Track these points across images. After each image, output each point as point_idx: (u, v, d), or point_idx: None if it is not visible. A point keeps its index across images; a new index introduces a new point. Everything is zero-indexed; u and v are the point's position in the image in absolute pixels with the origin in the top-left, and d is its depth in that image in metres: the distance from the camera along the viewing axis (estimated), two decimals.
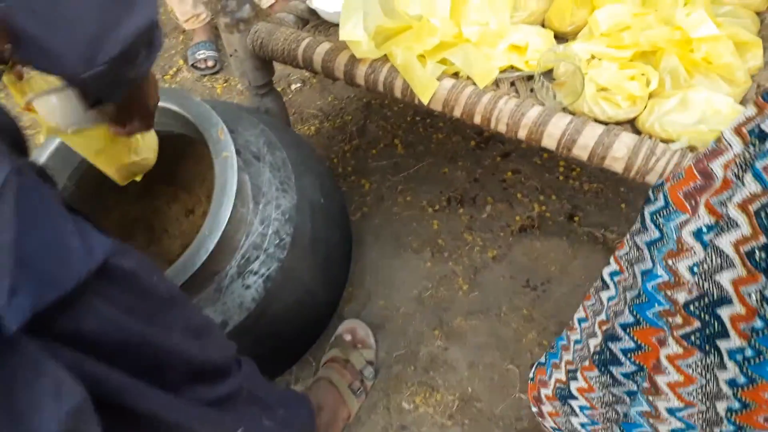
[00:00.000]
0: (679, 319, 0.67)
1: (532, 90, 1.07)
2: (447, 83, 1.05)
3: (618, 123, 1.00)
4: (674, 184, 0.69)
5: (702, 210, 0.65)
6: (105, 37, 0.54)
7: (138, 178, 0.91)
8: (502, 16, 1.14)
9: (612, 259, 0.85)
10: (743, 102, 1.00)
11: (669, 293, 0.68)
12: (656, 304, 0.70)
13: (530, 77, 1.09)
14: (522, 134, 1.00)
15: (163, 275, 0.69)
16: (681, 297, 0.67)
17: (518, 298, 1.33)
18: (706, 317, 0.63)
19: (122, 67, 0.57)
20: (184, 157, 1.29)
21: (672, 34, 1.02)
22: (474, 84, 1.05)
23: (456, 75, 1.08)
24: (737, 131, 0.64)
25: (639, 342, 0.74)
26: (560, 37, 1.21)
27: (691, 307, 0.65)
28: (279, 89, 1.86)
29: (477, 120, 1.03)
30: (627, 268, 0.81)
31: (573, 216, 1.47)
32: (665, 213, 0.71)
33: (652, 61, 1.06)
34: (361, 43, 1.07)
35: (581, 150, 0.95)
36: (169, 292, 0.67)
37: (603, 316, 0.84)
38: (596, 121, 1.00)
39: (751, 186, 0.56)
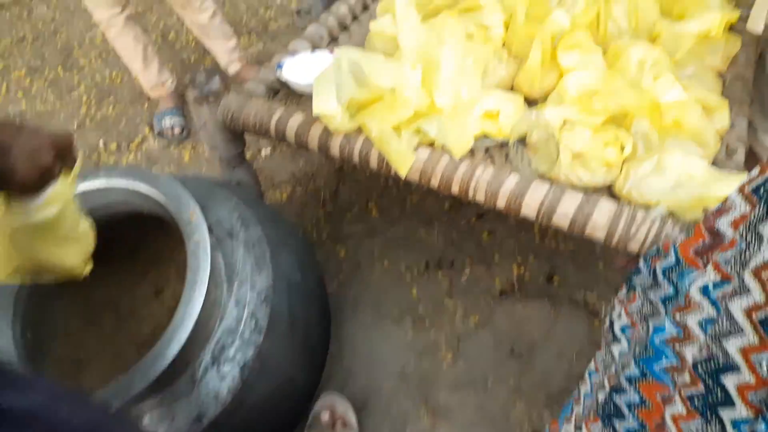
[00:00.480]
0: (687, 378, 0.65)
1: (507, 157, 1.07)
2: (423, 154, 1.04)
3: (595, 189, 1.00)
4: (684, 241, 0.68)
5: (709, 267, 0.64)
6: None
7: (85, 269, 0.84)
8: (472, 83, 1.15)
9: (623, 312, 0.82)
10: (715, 163, 1.01)
11: (677, 347, 0.66)
12: (663, 358, 0.68)
13: (504, 144, 1.09)
14: (501, 204, 0.98)
15: (84, 402, 0.58)
16: (689, 354, 0.65)
17: (504, 367, 1.29)
18: (710, 383, 0.61)
19: None
20: (152, 233, 1.24)
21: (641, 99, 1.04)
22: (449, 153, 1.04)
23: (431, 145, 1.07)
24: (741, 190, 0.63)
25: (644, 397, 0.71)
26: (531, 101, 1.23)
27: (699, 369, 0.63)
28: (249, 154, 1.84)
29: (455, 190, 1.02)
30: (639, 322, 0.79)
31: (552, 277, 1.45)
32: (678, 270, 0.69)
33: (624, 124, 1.07)
34: (335, 116, 1.06)
35: (561, 219, 0.94)
36: (90, 423, 0.55)
37: (612, 370, 0.82)
38: (573, 187, 1.00)
39: (766, 253, 0.55)
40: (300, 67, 1.29)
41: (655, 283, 0.74)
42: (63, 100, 2.20)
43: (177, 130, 1.97)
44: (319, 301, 1.27)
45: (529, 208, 0.96)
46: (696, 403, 0.62)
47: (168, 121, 1.97)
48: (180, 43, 2.34)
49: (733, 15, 1.23)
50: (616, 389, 0.74)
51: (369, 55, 1.11)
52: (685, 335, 0.65)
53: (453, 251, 1.54)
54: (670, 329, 0.67)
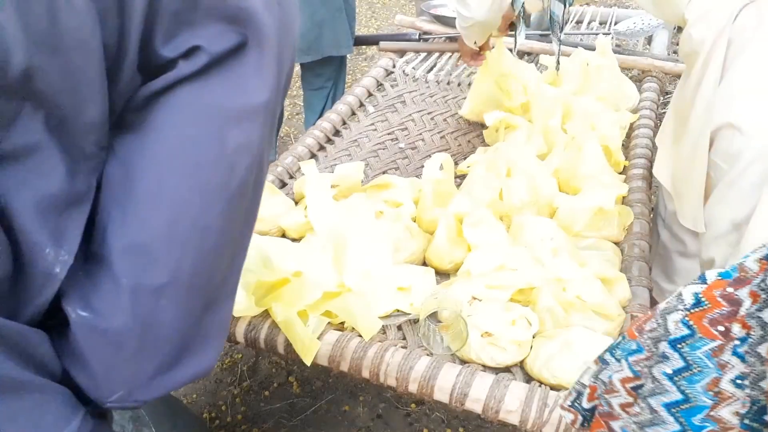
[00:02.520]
0: None
1: (423, 335, 1.05)
2: (331, 337, 1.01)
3: (507, 367, 0.98)
4: (696, 312, 0.64)
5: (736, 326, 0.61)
6: (153, 381, 0.53)
7: None
8: (383, 260, 1.16)
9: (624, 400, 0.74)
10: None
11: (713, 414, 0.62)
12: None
13: (417, 320, 1.08)
14: (413, 388, 0.94)
15: None
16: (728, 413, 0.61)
17: None
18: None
19: None
20: None
21: (545, 273, 1.07)
22: (360, 335, 1.01)
23: (342, 326, 1.04)
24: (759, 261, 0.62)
25: None
26: (443, 274, 1.24)
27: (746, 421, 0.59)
28: None
29: (365, 375, 0.97)
30: (640, 402, 0.71)
31: None
32: (690, 341, 0.64)
33: (529, 299, 1.09)
34: (240, 301, 1.02)
35: (474, 404, 0.90)
36: None
37: None
38: (485, 367, 0.98)
39: None
40: None
41: (663, 357, 0.66)
42: None
43: None
44: None
45: (442, 392, 0.93)
46: None
47: None
48: None
49: (623, 190, 1.34)
50: None
51: (276, 240, 1.11)
52: (721, 398, 0.61)
53: (380, 426, 1.46)
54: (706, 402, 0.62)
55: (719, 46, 0.97)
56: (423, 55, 2.29)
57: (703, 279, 0.64)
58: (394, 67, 2.23)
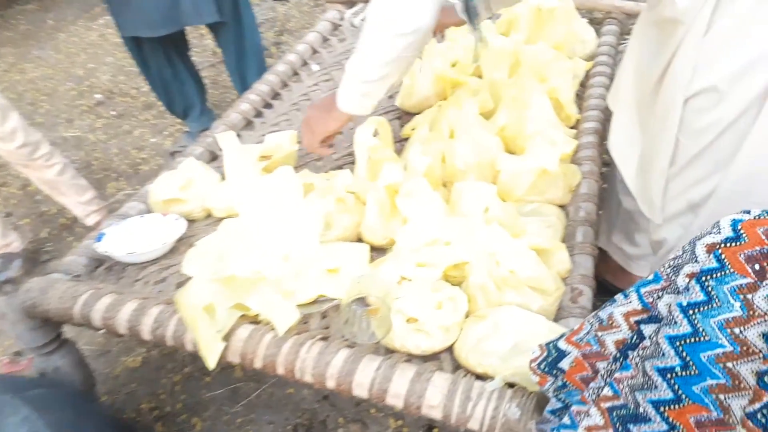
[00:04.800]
0: (746, 397, 0.53)
1: (347, 321, 0.96)
2: (243, 332, 0.92)
3: (435, 354, 0.90)
4: (732, 246, 0.57)
5: None
6: None
7: None
8: (309, 241, 1.06)
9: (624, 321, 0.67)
10: (562, 308, 0.95)
11: (730, 366, 0.54)
12: (708, 378, 0.55)
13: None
14: (331, 386, 0.87)
15: None
16: (747, 369, 0.54)
17: None
18: None
19: None
20: None
21: (477, 248, 0.98)
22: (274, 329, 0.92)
23: (256, 320, 0.95)
24: None
25: (674, 423, 0.56)
26: (379, 249, 1.15)
27: (766, 379, 0.53)
28: None
29: (281, 372, 0.89)
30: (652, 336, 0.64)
31: (432, 428, 1.32)
32: (718, 275, 0.57)
33: (462, 275, 1.01)
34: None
35: (395, 399, 0.83)
36: None
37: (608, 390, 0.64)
38: (411, 356, 0.90)
39: None
40: (125, 235, 1.18)
41: (685, 290, 0.59)
42: None
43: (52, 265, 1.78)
44: None
45: (361, 387, 0.85)
46: (759, 417, 0.53)
47: None
48: (41, 194, 2.18)
49: (568, 149, 1.24)
50: (634, 418, 0.59)
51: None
52: (743, 351, 0.53)
53: (326, 408, 1.39)
54: (725, 345, 0.54)
55: (705, 11, 0.84)
56: None
57: (747, 211, 0.58)
58: (341, 19, 2.08)
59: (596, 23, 1.84)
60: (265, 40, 3.14)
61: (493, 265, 0.96)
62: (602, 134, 1.35)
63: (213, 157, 1.46)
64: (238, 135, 1.54)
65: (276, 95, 1.73)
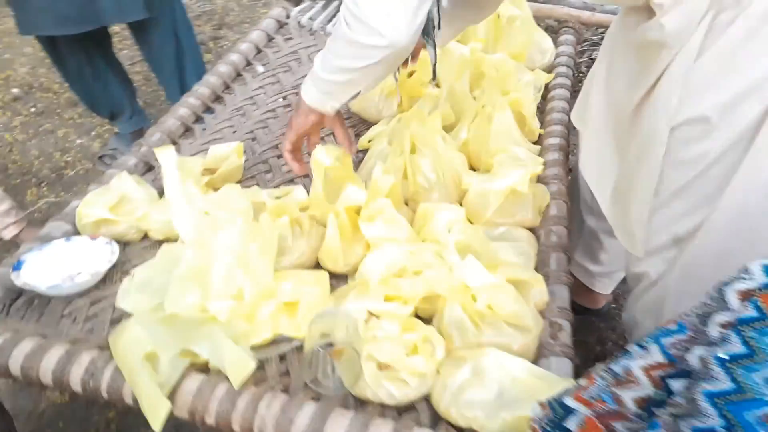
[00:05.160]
0: None
1: (310, 365, 0.86)
2: (191, 384, 0.81)
3: (411, 403, 0.82)
4: None
5: None
6: None
7: None
8: (261, 273, 0.95)
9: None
10: (542, 347, 0.88)
11: None
12: None
13: (302, 347, 0.89)
14: None
15: None
16: None
17: None
18: None
19: None
20: None
21: (451, 279, 0.90)
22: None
23: (206, 368, 0.84)
24: None
25: None
26: (339, 276, 1.06)
27: None
28: None
29: (237, 430, 0.79)
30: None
31: None
32: (759, 326, 0.52)
33: (436, 308, 0.93)
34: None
35: None
36: None
37: None
38: (385, 407, 0.81)
39: None
40: (48, 262, 1.03)
41: (724, 341, 0.52)
42: None
43: None
44: None
45: None
46: None
47: None
48: None
49: (538, 167, 1.18)
50: None
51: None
52: None
53: None
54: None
55: (697, 36, 0.78)
56: (321, 2, 2.01)
57: None
58: (288, 17, 1.96)
59: (551, 32, 1.80)
60: (202, 34, 2.96)
61: (468, 300, 0.89)
62: (566, 150, 1.31)
63: (148, 168, 1.32)
64: (176, 143, 1.42)
65: (217, 98, 1.59)
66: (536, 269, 1.03)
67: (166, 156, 1.04)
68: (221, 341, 0.82)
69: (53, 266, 1.02)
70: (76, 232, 1.11)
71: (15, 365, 0.85)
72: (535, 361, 0.87)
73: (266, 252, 0.97)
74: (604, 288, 1.43)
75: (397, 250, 0.97)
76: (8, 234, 1.73)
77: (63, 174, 2.13)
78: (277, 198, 1.15)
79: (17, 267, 0.99)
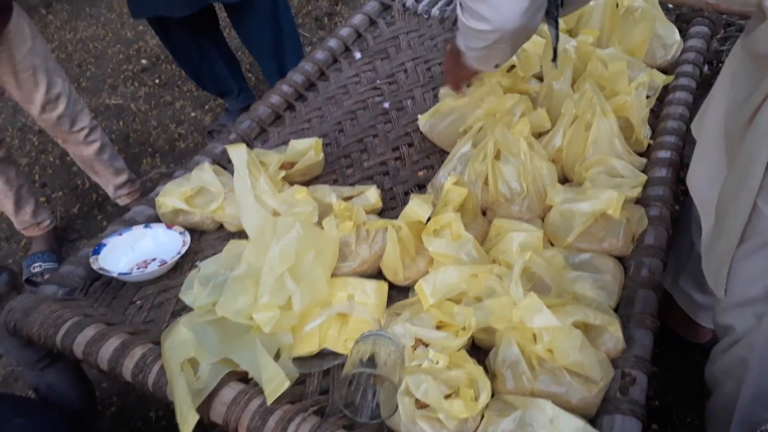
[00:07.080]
0: None
1: (350, 387, 0.83)
2: (228, 394, 0.80)
3: None
4: None
5: None
6: None
7: None
8: (315, 280, 0.92)
9: None
10: (604, 405, 0.78)
11: None
12: None
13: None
14: None
15: None
16: None
17: None
18: None
19: None
20: None
21: (510, 315, 0.81)
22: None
23: (246, 378, 0.83)
24: None
25: None
26: (399, 288, 1.01)
27: None
28: None
29: None
30: None
31: None
32: None
33: (492, 338, 0.85)
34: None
35: None
36: None
37: None
38: None
39: None
40: (125, 248, 1.07)
41: None
42: None
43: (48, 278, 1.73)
44: None
45: None
46: None
47: (38, 266, 1.74)
48: (77, 166, 2.13)
49: (636, 189, 1.04)
50: None
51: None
52: None
53: None
54: None
55: None
56: None
57: None
58: None
59: (682, 21, 1.59)
60: (318, 9, 2.98)
61: (528, 340, 0.80)
62: (678, 167, 1.15)
63: None
64: (265, 130, 1.43)
65: (311, 86, 1.58)
66: (617, 308, 0.91)
67: (236, 153, 1.04)
68: (260, 355, 0.80)
69: (129, 252, 1.07)
70: (157, 218, 1.15)
71: (78, 350, 0.89)
72: (598, 418, 0.77)
73: (323, 260, 0.94)
74: (710, 322, 1.25)
75: (458, 271, 0.90)
76: (122, 202, 1.87)
77: (175, 146, 2.25)
78: (347, 199, 1.12)
79: (97, 251, 1.05)
